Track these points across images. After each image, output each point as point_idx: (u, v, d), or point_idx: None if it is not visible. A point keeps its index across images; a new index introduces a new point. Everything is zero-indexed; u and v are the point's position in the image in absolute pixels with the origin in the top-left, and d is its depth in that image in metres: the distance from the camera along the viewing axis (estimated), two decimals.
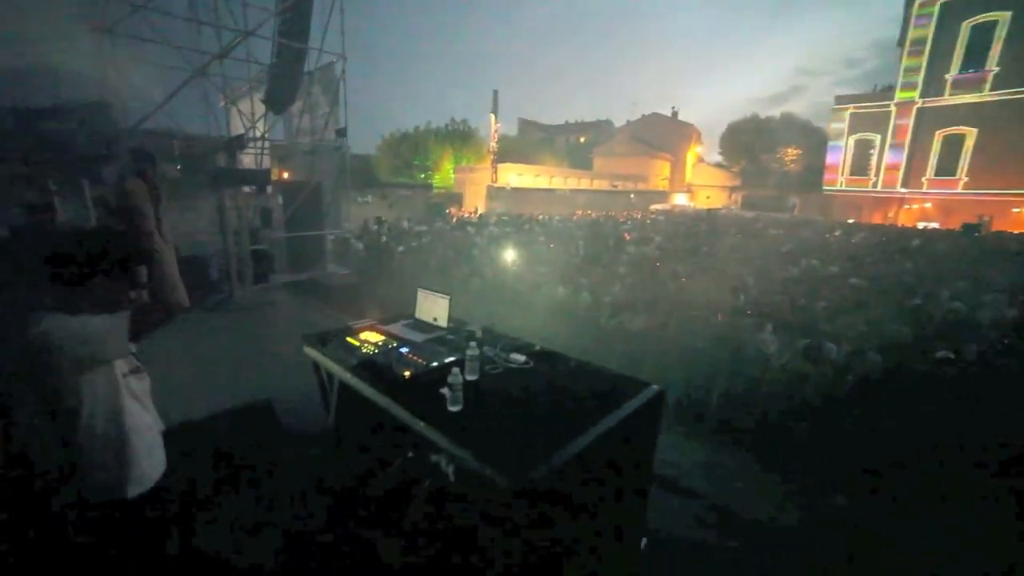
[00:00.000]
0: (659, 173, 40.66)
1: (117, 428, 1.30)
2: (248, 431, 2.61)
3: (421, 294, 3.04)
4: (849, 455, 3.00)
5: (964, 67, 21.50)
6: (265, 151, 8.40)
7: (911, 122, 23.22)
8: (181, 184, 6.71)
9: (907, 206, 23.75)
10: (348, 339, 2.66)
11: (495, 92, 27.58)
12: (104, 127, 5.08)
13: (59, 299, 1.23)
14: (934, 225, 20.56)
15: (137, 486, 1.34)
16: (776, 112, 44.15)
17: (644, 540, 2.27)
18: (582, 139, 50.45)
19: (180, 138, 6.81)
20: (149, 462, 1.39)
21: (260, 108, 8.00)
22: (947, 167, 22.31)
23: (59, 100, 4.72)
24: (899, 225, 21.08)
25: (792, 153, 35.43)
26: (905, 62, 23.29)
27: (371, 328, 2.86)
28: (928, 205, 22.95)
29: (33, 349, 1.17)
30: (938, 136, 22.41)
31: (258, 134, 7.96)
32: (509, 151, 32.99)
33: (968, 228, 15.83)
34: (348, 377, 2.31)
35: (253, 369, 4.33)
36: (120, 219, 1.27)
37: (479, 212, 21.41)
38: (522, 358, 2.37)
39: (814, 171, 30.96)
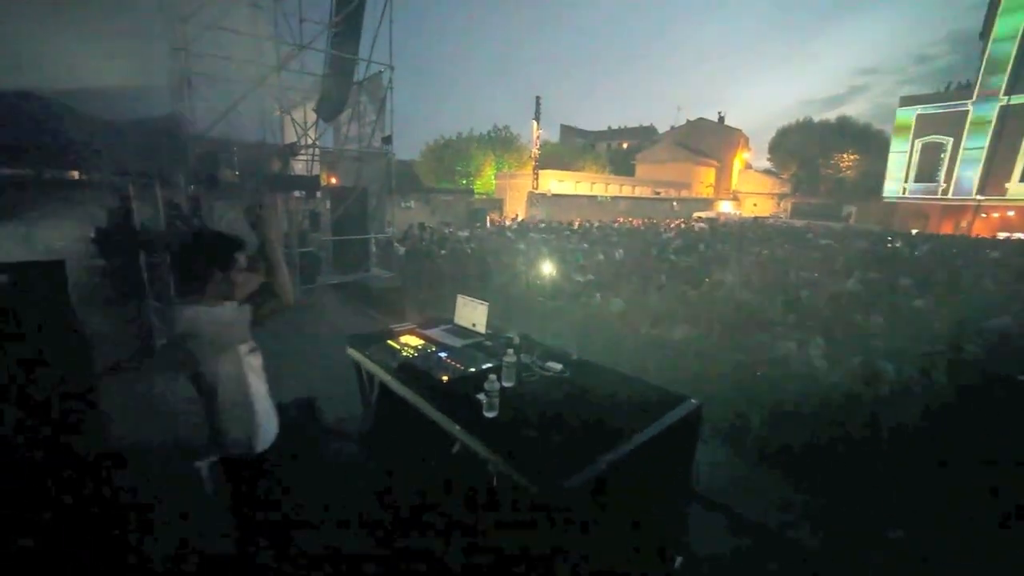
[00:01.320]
0: (703, 180, 39.44)
1: (244, 397, 1.62)
2: (290, 428, 2.73)
3: (460, 300, 3.10)
4: (909, 483, 2.78)
5: None
6: (315, 158, 8.84)
7: (993, 122, 21.28)
8: (238, 188, 7.18)
9: (984, 215, 21.79)
10: (389, 342, 2.75)
11: (537, 99, 27.80)
12: (176, 137, 5.54)
13: (204, 291, 1.53)
14: (1018, 235, 18.64)
15: (262, 443, 1.69)
16: (832, 115, 41.72)
17: (679, 559, 2.20)
18: (625, 145, 49.75)
19: (239, 146, 7.29)
20: (268, 424, 1.73)
21: (312, 117, 8.45)
22: None
23: (141, 114, 5.19)
24: (974, 235, 19.36)
25: (848, 159, 33.38)
26: (989, 55, 21.36)
27: (411, 332, 2.94)
28: (1011, 213, 20.93)
29: (182, 336, 1.49)
30: None
31: (309, 141, 8.39)
32: (551, 157, 33.02)
33: None
34: (388, 379, 2.39)
35: (297, 366, 4.53)
36: (256, 230, 1.65)
37: (520, 218, 21.54)
38: (559, 367, 2.37)
39: (872, 177, 29.07)
